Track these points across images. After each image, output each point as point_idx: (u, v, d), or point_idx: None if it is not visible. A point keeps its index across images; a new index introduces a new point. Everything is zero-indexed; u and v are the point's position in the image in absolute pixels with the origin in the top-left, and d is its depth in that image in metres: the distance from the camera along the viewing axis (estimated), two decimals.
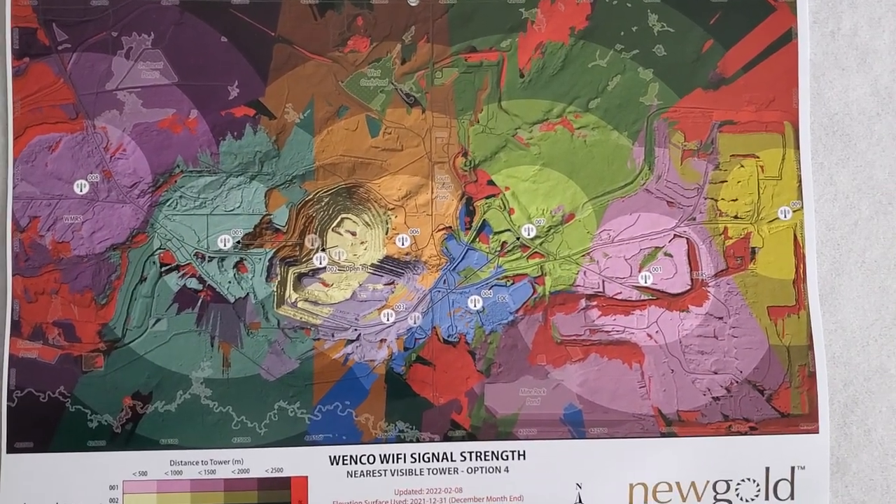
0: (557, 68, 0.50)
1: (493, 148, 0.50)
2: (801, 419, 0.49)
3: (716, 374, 0.49)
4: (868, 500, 0.50)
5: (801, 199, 0.50)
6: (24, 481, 0.46)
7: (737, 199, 0.50)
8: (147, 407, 0.47)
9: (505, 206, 0.49)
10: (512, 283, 0.49)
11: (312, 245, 0.49)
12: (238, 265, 0.48)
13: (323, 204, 0.49)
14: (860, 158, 0.51)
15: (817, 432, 0.49)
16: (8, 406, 0.47)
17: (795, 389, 0.49)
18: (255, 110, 0.49)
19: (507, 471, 0.49)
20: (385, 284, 0.49)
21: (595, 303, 0.49)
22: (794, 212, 0.50)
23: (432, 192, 0.49)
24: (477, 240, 0.49)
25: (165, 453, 0.47)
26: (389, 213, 0.49)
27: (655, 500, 0.49)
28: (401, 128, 0.49)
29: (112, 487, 0.47)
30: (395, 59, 0.49)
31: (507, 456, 0.49)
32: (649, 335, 0.49)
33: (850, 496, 0.50)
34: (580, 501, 0.49)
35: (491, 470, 0.49)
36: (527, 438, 0.49)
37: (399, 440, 0.48)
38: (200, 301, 0.48)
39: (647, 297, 0.50)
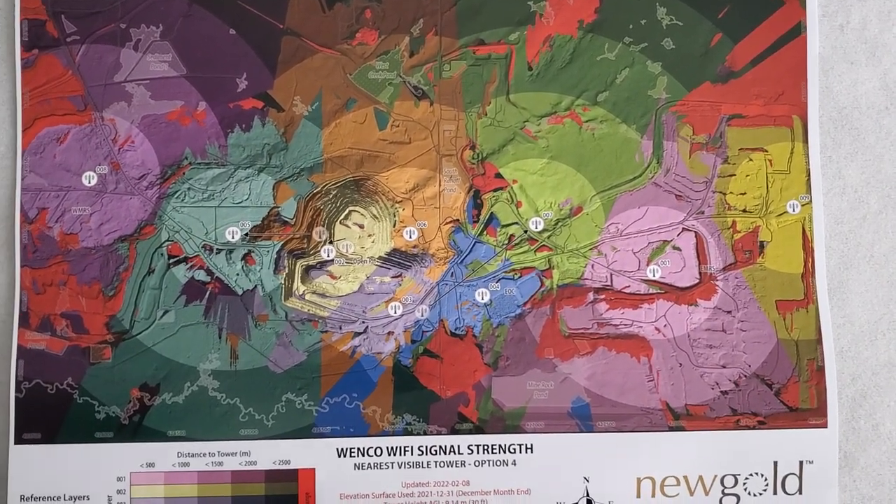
0: (566, 61, 0.50)
1: (501, 141, 0.49)
2: (810, 413, 0.49)
3: (724, 367, 0.49)
4: (876, 495, 0.50)
5: (810, 193, 0.50)
6: (32, 472, 0.47)
7: (745, 193, 0.50)
8: (154, 399, 0.47)
9: (513, 199, 0.49)
10: (519, 277, 0.49)
11: (320, 237, 0.49)
12: (246, 257, 0.48)
13: (331, 196, 0.49)
14: (869, 152, 0.51)
15: (826, 427, 0.49)
16: (16, 397, 0.47)
17: (804, 384, 0.49)
18: (264, 103, 0.49)
19: (515, 464, 0.49)
20: (392, 277, 0.49)
21: (603, 296, 0.49)
22: (802, 205, 0.50)
23: (440, 185, 0.49)
24: (484, 233, 0.49)
25: (173, 445, 0.47)
26: (397, 205, 0.49)
27: (663, 493, 0.49)
28: (409, 120, 0.49)
29: (119, 479, 0.47)
30: (403, 51, 0.49)
31: (514, 449, 0.49)
32: (657, 329, 0.49)
33: (858, 490, 0.50)
34: (588, 495, 0.49)
35: (498, 463, 0.49)
36: (534, 432, 0.49)
37: (406, 433, 0.48)
38: (208, 293, 0.48)
39: (655, 291, 0.49)
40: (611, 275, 0.49)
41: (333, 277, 0.49)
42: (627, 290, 0.49)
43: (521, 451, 0.49)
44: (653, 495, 0.49)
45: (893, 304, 0.50)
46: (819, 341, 0.49)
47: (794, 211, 0.50)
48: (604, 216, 0.49)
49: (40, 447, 0.47)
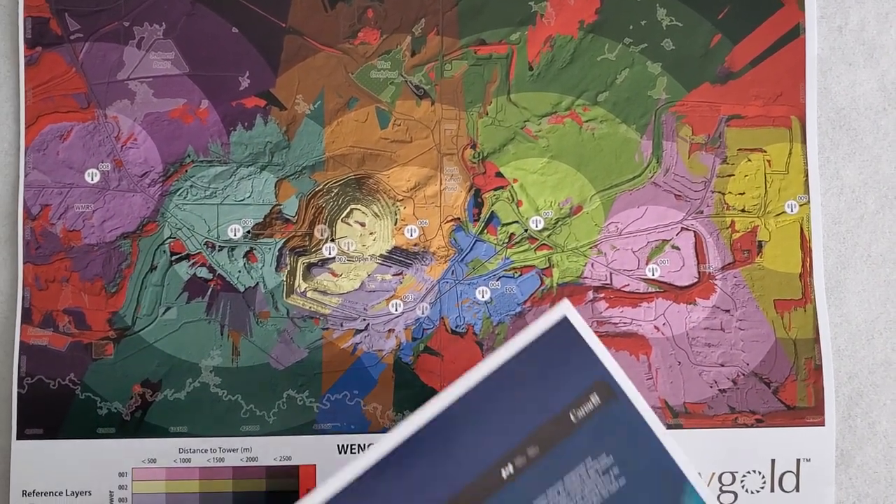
0: (566, 61, 0.50)
1: (502, 140, 0.50)
2: (807, 412, 0.50)
3: (722, 366, 0.50)
4: (872, 493, 0.50)
5: (808, 194, 0.50)
6: (34, 468, 0.47)
7: (744, 193, 0.50)
8: (156, 395, 0.48)
9: (513, 198, 0.50)
10: (520, 275, 0.50)
11: (322, 235, 0.49)
12: (248, 255, 0.49)
13: (332, 195, 0.49)
14: (867, 153, 0.51)
15: (823, 425, 0.49)
16: (18, 393, 0.47)
17: (802, 382, 0.50)
18: (266, 101, 0.49)
19: None
20: (393, 275, 0.49)
21: (602, 295, 0.50)
22: (800, 206, 0.50)
23: (441, 184, 0.50)
24: (485, 231, 0.50)
25: (174, 441, 0.48)
26: (398, 204, 0.49)
27: None
28: (410, 120, 0.50)
29: (121, 474, 0.47)
30: (404, 51, 0.50)
31: None
32: (656, 327, 0.50)
33: (855, 488, 0.50)
34: None
35: None
36: None
37: None
38: (210, 290, 0.48)
39: (654, 290, 0.50)
40: (610, 273, 0.50)
41: (335, 275, 0.49)
42: (627, 289, 0.50)
43: None
44: None
45: (890, 303, 0.50)
46: (816, 340, 0.50)
47: (792, 211, 0.50)
48: (603, 215, 0.50)
49: (42, 443, 0.47)
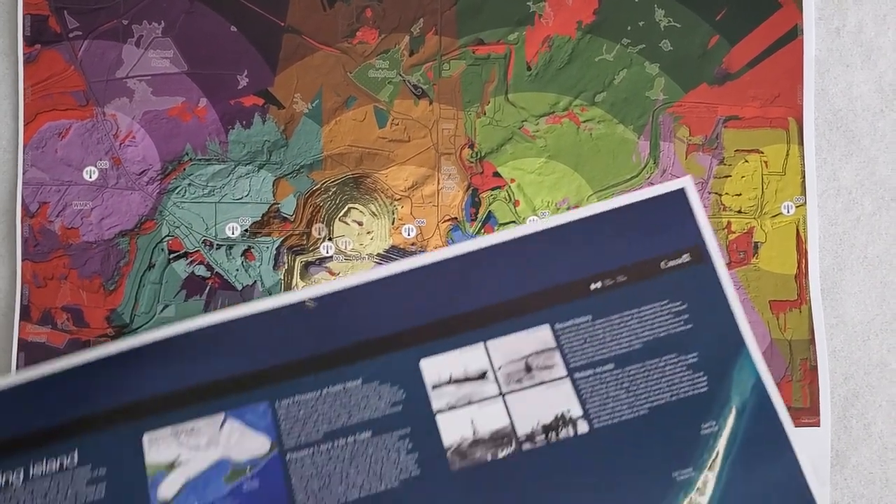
0: (564, 62, 0.50)
1: (500, 140, 0.50)
2: (803, 412, 0.50)
3: None
4: (867, 494, 0.50)
5: (805, 195, 0.50)
6: None
7: (741, 194, 0.50)
8: None
9: (510, 198, 0.50)
10: None
11: (319, 234, 0.49)
12: (246, 253, 0.49)
13: (330, 193, 0.49)
14: (863, 154, 0.51)
15: (818, 425, 0.50)
16: None
17: (797, 383, 0.50)
18: (264, 100, 0.49)
19: None
20: None
21: None
22: (797, 207, 0.50)
23: (438, 183, 0.50)
24: (482, 231, 0.50)
25: None
26: (396, 203, 0.49)
27: None
28: (408, 119, 0.50)
29: None
30: (403, 50, 0.50)
31: None
32: None
33: (850, 489, 0.50)
34: None
35: None
36: None
37: None
38: (208, 288, 0.48)
39: None
40: None
41: (332, 273, 0.49)
42: None
43: None
44: None
45: (886, 304, 0.51)
46: (812, 341, 0.50)
47: (788, 212, 0.50)
48: None
49: None
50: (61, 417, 0.38)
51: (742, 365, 0.40)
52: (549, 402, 0.39)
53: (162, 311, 0.48)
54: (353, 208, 0.49)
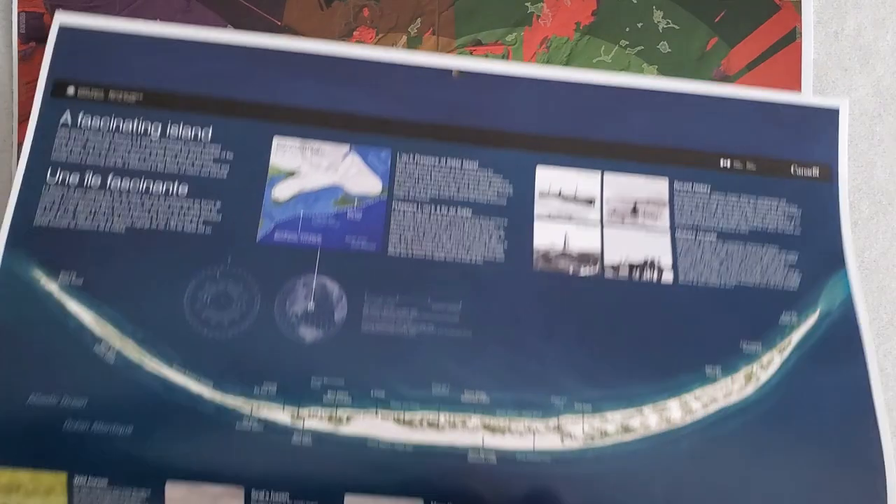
0: (562, 63, 0.50)
1: None
2: None
3: None
4: None
5: None
6: None
7: None
8: None
9: None
10: None
11: None
12: None
13: None
14: (861, 158, 0.51)
15: None
16: None
17: None
18: None
19: None
20: None
21: None
22: None
23: None
24: None
25: None
26: None
27: None
28: None
29: None
30: None
31: None
32: None
33: None
34: None
35: None
36: None
37: None
38: None
39: None
40: None
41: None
42: None
43: None
44: None
45: (883, 309, 0.50)
46: None
47: None
48: None
49: None
50: (201, 90, 0.43)
51: (837, 281, 0.44)
52: (644, 245, 0.43)
53: None
54: None
